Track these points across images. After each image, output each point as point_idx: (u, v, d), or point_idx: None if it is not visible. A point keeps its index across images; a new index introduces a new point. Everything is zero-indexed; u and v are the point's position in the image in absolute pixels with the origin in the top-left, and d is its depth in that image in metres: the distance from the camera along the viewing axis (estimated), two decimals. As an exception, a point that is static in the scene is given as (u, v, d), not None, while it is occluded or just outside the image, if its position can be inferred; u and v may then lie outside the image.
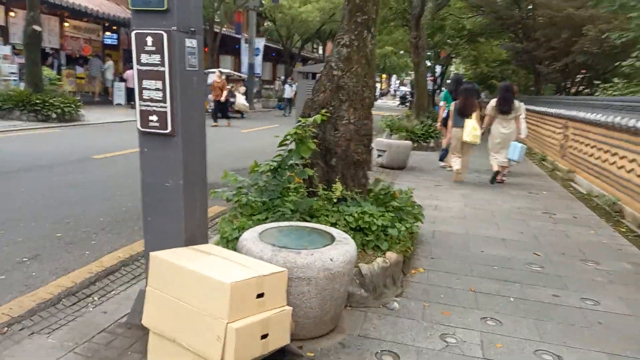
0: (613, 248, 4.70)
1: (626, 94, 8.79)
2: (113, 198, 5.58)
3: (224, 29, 23.72)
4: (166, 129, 2.44)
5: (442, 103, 9.41)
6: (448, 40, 23.72)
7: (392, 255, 3.39)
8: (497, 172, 7.63)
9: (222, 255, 2.42)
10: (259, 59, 24.97)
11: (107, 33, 20.55)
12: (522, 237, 4.92)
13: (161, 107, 2.43)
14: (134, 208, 5.20)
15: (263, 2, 25.01)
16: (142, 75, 2.44)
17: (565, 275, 3.90)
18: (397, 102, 42.82)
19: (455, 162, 7.70)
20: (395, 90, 61.62)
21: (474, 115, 7.39)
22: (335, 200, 3.62)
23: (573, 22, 12.03)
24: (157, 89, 2.42)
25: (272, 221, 3.28)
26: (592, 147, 7.75)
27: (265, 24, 30.21)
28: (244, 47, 25.05)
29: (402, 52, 34.56)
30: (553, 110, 10.38)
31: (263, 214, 3.43)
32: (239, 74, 22.24)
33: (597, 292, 3.59)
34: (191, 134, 2.54)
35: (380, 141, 8.83)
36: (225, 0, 22.20)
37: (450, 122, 7.90)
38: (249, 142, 11.46)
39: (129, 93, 17.82)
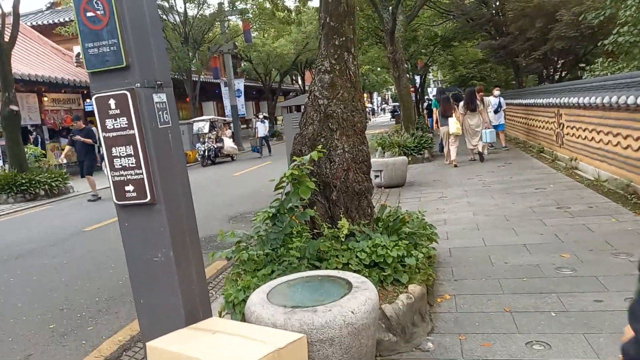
0: (641, 234, 4.42)
1: (614, 72, 8.64)
2: (107, 271, 5.26)
3: (202, 76, 23.79)
4: (145, 197, 2.18)
5: (434, 109, 13.21)
6: (422, 50, 23.86)
7: (415, 288, 3.09)
8: (480, 153, 10.47)
9: (228, 330, 2.13)
10: (241, 100, 24.98)
11: (87, 100, 20.50)
12: (543, 239, 4.64)
13: (136, 174, 2.18)
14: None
15: (236, 43, 25.21)
16: (110, 143, 2.19)
17: (601, 274, 3.61)
18: (385, 116, 43.22)
19: (453, 151, 10.37)
20: (380, 106, 62.04)
21: (454, 114, 10.43)
22: (343, 238, 3.34)
23: (545, 10, 12.02)
24: (129, 155, 2.17)
25: (278, 274, 3.00)
26: (590, 131, 7.54)
27: (242, 64, 30.43)
28: (224, 90, 25.10)
29: (379, 69, 34.82)
30: (543, 100, 10.22)
31: (268, 267, 3.14)
32: (223, 118, 22.18)
33: (641, 288, 3.29)
34: (174, 198, 2.27)
35: (374, 161, 8.58)
36: (200, 48, 22.31)
37: (437, 123, 11.56)
38: (242, 185, 11.20)
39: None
